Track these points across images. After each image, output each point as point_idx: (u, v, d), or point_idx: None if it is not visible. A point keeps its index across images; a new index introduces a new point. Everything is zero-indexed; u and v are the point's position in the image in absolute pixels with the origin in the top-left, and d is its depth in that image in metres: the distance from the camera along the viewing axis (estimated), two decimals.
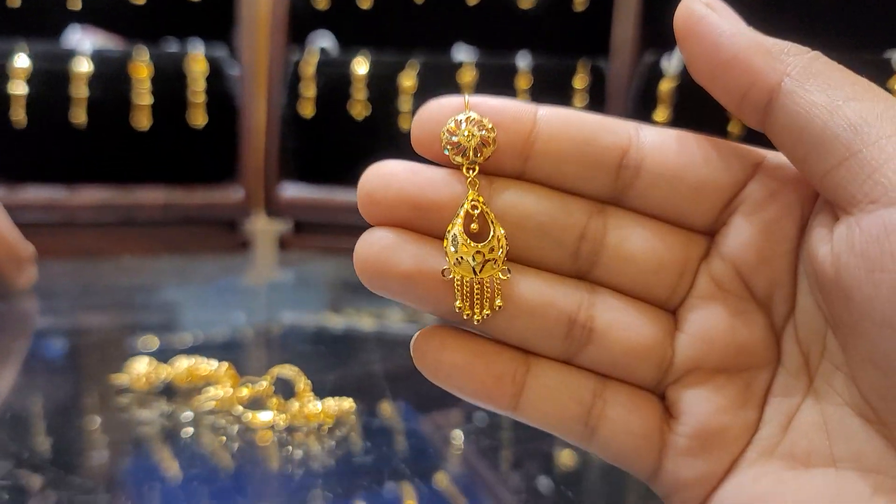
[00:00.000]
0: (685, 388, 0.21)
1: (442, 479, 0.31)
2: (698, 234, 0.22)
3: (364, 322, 0.55)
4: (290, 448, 0.34)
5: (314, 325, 0.56)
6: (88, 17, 0.74)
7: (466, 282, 0.20)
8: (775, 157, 0.21)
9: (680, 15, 0.20)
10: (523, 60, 0.73)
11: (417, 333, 0.21)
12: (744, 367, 0.21)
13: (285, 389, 0.37)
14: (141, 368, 0.39)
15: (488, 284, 0.20)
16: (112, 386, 0.39)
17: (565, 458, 0.32)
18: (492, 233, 0.20)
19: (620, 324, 0.21)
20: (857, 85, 0.19)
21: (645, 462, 0.21)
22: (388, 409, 0.39)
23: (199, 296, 0.65)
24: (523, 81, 0.71)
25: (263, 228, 0.79)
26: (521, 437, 0.34)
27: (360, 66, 0.73)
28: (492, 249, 0.20)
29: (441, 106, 0.21)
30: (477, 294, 0.20)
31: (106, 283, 0.66)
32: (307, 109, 0.74)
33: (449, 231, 0.20)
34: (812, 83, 0.19)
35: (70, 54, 0.70)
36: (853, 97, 0.18)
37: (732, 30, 0.20)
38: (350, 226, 0.73)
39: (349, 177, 0.77)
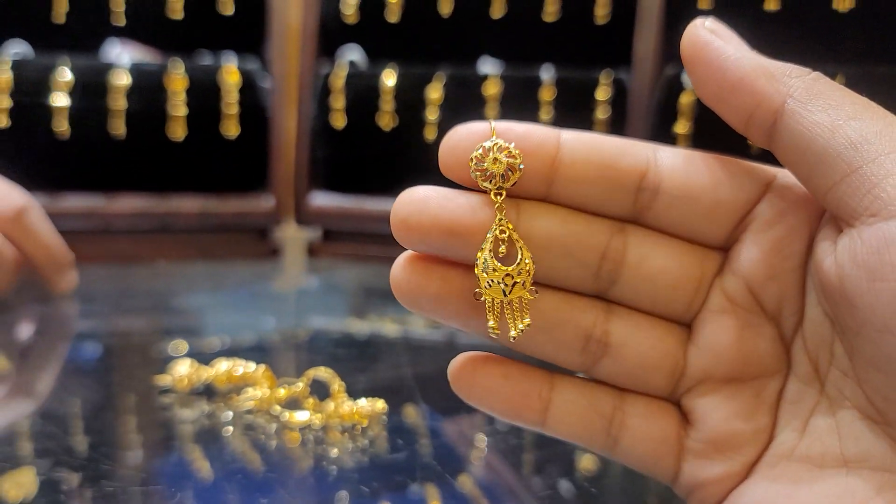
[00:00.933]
0: (699, 397, 0.22)
1: (467, 481, 0.33)
2: (713, 250, 0.23)
3: (390, 327, 0.57)
4: (326, 446, 0.36)
5: (342, 330, 0.57)
6: (127, 31, 0.76)
7: (497, 303, 0.21)
8: (785, 175, 0.22)
9: (686, 41, 0.21)
10: (547, 73, 0.73)
11: (452, 362, 0.23)
12: (753, 376, 0.22)
13: (320, 391, 0.39)
14: (183, 370, 0.41)
15: (517, 304, 0.21)
16: (151, 385, 0.41)
17: (586, 461, 0.33)
18: (519, 256, 0.21)
19: (633, 338, 0.23)
20: (858, 104, 0.19)
21: (665, 466, 0.23)
22: (416, 411, 0.40)
23: (231, 301, 0.66)
24: (547, 93, 0.72)
25: (293, 236, 0.81)
26: (544, 441, 0.36)
27: (389, 79, 0.74)
28: (519, 272, 0.21)
29: (469, 132, 0.21)
30: (507, 314, 0.22)
31: (142, 287, 0.68)
32: (336, 120, 0.75)
33: (479, 256, 0.21)
34: (814, 103, 0.20)
35: (109, 67, 0.72)
36: (853, 116, 0.19)
37: (737, 54, 0.21)
38: (377, 234, 0.75)
39: (377, 186, 0.79)
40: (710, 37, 0.21)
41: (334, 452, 0.35)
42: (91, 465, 0.32)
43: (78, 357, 0.50)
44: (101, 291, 0.65)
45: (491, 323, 0.21)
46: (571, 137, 0.22)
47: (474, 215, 0.21)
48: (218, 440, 0.36)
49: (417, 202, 0.21)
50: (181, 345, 0.48)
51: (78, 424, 0.37)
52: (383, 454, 0.35)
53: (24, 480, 0.30)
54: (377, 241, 0.75)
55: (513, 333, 0.21)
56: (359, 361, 0.49)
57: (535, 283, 0.22)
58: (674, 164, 0.22)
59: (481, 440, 0.37)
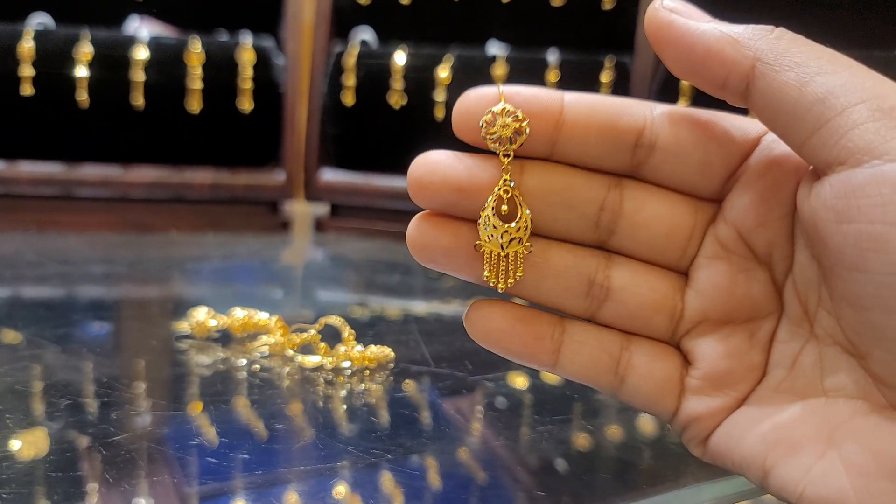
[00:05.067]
0: (697, 338, 0.24)
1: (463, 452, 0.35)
2: (706, 201, 0.24)
3: (392, 297, 0.59)
4: (337, 386, 0.38)
5: (347, 301, 0.59)
6: (146, 7, 0.78)
7: (494, 255, 0.23)
8: None
9: (648, 24, 0.22)
10: (552, 56, 0.75)
11: (468, 308, 0.24)
12: (747, 317, 0.24)
13: (331, 341, 0.41)
14: (200, 317, 0.43)
15: (512, 258, 0.23)
16: (161, 343, 0.43)
17: (581, 439, 0.35)
18: (519, 214, 0.23)
19: (633, 282, 0.24)
20: (822, 58, 0.20)
21: (666, 404, 0.24)
22: (422, 359, 0.42)
23: (240, 271, 0.68)
24: (552, 75, 0.74)
25: (302, 210, 0.83)
26: (539, 421, 0.37)
27: (399, 59, 0.76)
28: (518, 229, 0.23)
29: (479, 96, 0.22)
30: (502, 265, 0.23)
31: (156, 255, 0.70)
32: (348, 98, 0.77)
33: (482, 212, 0.23)
34: (780, 63, 0.20)
35: (130, 41, 0.74)
36: (819, 71, 0.20)
37: (700, 27, 0.21)
38: (382, 209, 0.77)
39: (385, 163, 0.81)
40: (670, 16, 0.22)
41: (343, 392, 0.37)
42: (135, 396, 0.34)
43: (92, 320, 0.52)
44: (116, 257, 0.67)
45: (486, 273, 0.23)
46: (574, 99, 0.22)
47: (479, 174, 0.23)
48: (234, 380, 0.38)
49: (430, 164, 0.23)
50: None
51: (90, 387, 0.38)
52: (390, 392, 0.37)
53: (36, 439, 0.31)
54: (383, 216, 0.77)
55: (501, 286, 0.23)
56: (366, 318, 0.51)
57: (541, 235, 0.24)
58: (669, 120, 0.23)
59: (478, 412, 0.39)
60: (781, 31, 0.21)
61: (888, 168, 0.19)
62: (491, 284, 0.24)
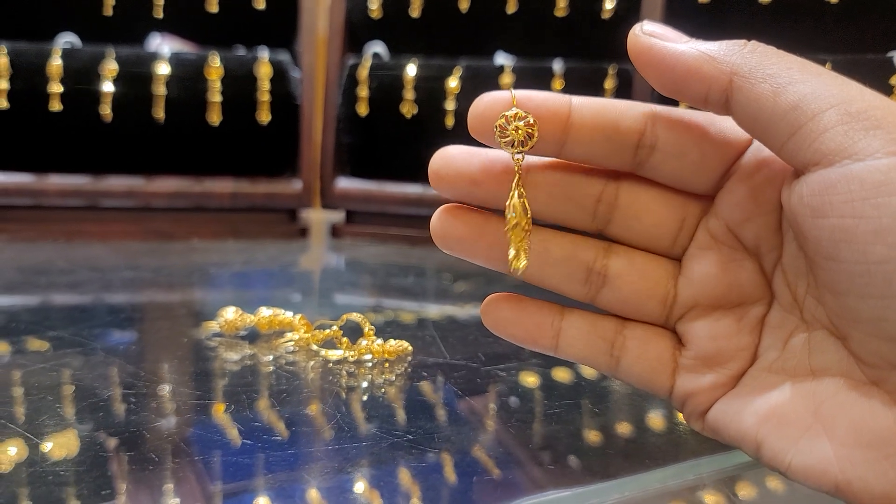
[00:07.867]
0: (689, 322, 0.26)
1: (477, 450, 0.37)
2: (701, 196, 0.26)
3: (406, 299, 0.61)
4: (359, 377, 0.40)
5: (363, 303, 0.61)
6: (168, 25, 0.81)
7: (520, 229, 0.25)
8: None
9: (631, 50, 0.24)
10: (557, 64, 0.77)
11: (483, 301, 0.27)
12: (736, 302, 0.26)
13: (352, 336, 0.43)
14: (230, 315, 0.46)
15: (526, 245, 0.26)
16: (195, 338, 0.46)
17: (593, 435, 0.36)
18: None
19: (627, 270, 0.26)
20: (793, 68, 0.22)
21: (661, 381, 0.26)
22: (438, 353, 0.45)
23: (260, 276, 0.70)
24: (557, 83, 0.76)
25: (319, 217, 0.85)
26: (549, 405, 0.39)
27: (410, 70, 0.79)
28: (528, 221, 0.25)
29: (492, 100, 0.24)
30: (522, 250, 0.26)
31: (179, 262, 0.72)
32: (361, 109, 0.79)
33: (509, 203, 0.25)
34: (755, 75, 0.22)
35: (152, 57, 0.76)
36: (791, 81, 0.21)
37: (679, 48, 0.23)
38: (396, 215, 0.79)
39: (398, 170, 0.83)
40: (650, 40, 0.23)
41: (364, 383, 0.40)
42: (162, 391, 0.37)
43: (124, 322, 0.54)
44: (140, 265, 0.69)
45: (512, 254, 0.25)
46: (580, 103, 0.24)
47: (489, 168, 0.25)
48: (262, 373, 0.41)
49: (446, 158, 0.25)
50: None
51: (129, 381, 0.40)
52: (409, 382, 0.40)
53: (67, 441, 0.32)
54: (396, 221, 0.79)
55: (517, 265, 0.25)
56: (382, 318, 0.53)
57: (544, 225, 0.26)
58: (668, 122, 0.25)
59: (491, 410, 0.41)
60: (754, 45, 0.23)
61: (856, 167, 0.20)
62: (512, 267, 0.26)
